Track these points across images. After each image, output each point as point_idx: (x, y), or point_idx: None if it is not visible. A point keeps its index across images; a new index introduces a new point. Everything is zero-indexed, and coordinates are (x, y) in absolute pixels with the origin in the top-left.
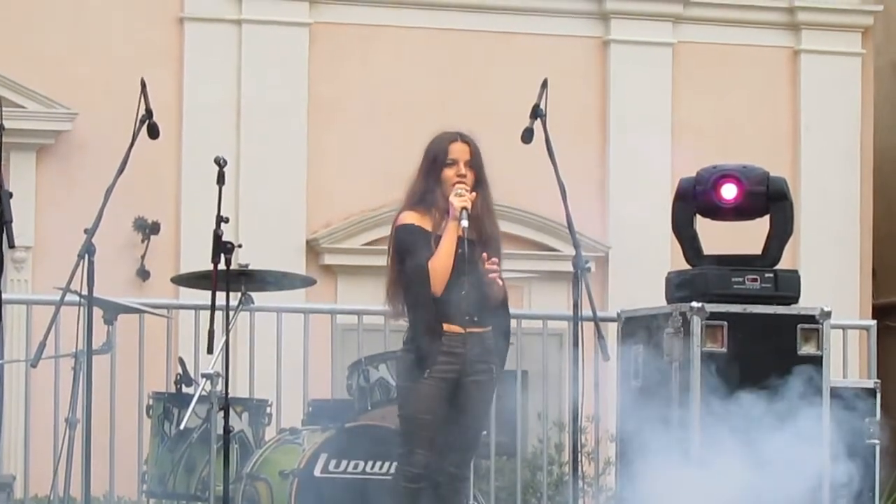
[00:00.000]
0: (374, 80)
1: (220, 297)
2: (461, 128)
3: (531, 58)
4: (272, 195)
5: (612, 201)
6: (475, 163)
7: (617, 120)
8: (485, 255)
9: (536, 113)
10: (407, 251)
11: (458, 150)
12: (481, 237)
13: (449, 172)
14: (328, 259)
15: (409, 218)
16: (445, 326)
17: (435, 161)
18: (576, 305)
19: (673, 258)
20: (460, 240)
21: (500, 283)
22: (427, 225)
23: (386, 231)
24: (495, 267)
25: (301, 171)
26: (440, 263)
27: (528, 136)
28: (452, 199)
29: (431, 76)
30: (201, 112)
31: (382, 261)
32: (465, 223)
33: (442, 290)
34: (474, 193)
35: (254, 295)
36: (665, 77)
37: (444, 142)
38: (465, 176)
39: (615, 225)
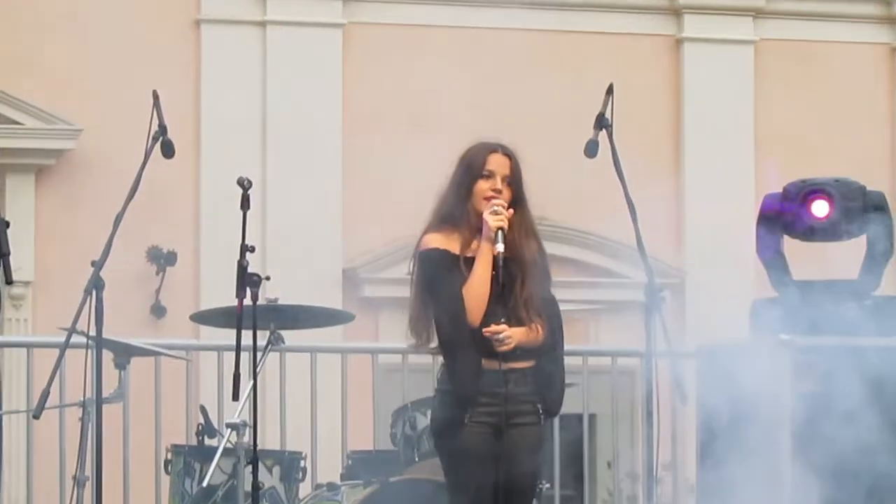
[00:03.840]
0: (416, 87)
1: (247, 336)
2: (507, 140)
3: (595, 60)
4: (303, 220)
5: (689, 220)
6: (515, 180)
7: (692, 128)
8: (492, 328)
9: (601, 123)
10: (435, 280)
11: (497, 163)
12: (519, 261)
13: (483, 185)
14: (368, 291)
15: (434, 241)
16: (484, 362)
17: (468, 171)
18: (649, 339)
19: (758, 284)
20: (496, 263)
21: (509, 343)
22: (454, 247)
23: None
24: (504, 331)
25: (336, 192)
26: (475, 290)
27: (592, 148)
28: (487, 217)
29: (482, 81)
30: (222, 127)
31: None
32: (500, 247)
33: (479, 320)
34: (511, 211)
35: (284, 333)
36: (746, 79)
37: (481, 151)
38: (500, 192)
39: (692, 247)
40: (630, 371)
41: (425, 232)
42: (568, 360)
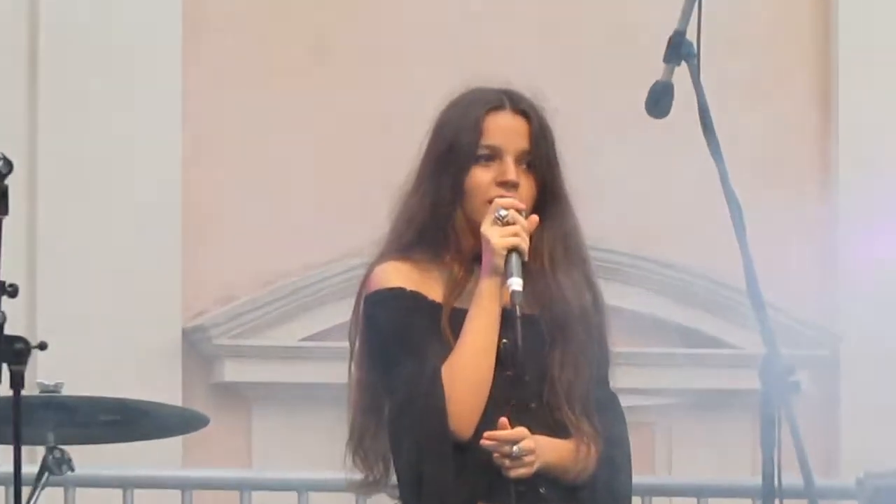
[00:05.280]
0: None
1: (4, 455)
2: (517, 84)
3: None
4: (108, 240)
5: (843, 257)
6: (541, 159)
7: (847, 119)
8: (499, 433)
9: (679, 50)
10: (395, 348)
11: (506, 128)
12: (552, 314)
13: (481, 175)
14: (231, 372)
15: (393, 276)
16: None
17: (452, 150)
18: (769, 463)
19: None
20: (507, 317)
21: (530, 464)
22: (430, 288)
23: (340, 309)
24: (521, 437)
25: (171, 200)
26: (468, 369)
27: (658, 100)
28: (489, 232)
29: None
30: None
31: (337, 371)
32: (515, 283)
33: (472, 430)
34: (535, 218)
35: (75, 451)
36: None
37: (474, 110)
38: (515, 185)
39: (848, 300)
40: None
41: (378, 261)
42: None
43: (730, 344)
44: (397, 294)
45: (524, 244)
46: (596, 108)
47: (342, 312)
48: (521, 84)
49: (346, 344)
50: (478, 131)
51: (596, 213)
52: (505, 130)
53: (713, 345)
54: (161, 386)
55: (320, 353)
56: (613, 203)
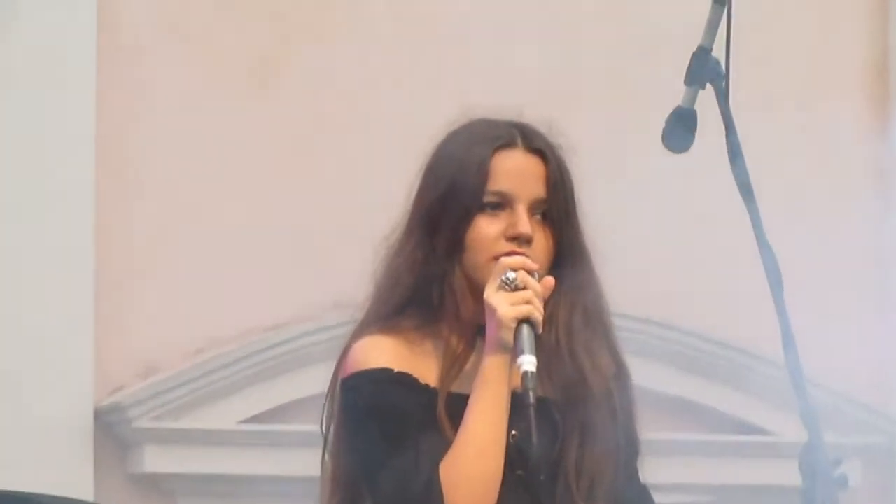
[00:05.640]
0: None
1: None
2: (526, 116)
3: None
4: (7, 310)
5: None
6: (558, 203)
7: None
8: None
9: (705, 71)
10: (381, 439)
11: (517, 171)
12: (569, 395)
13: (487, 227)
14: (152, 460)
15: (378, 352)
16: None
17: (451, 195)
18: None
19: None
20: (518, 403)
21: None
22: (424, 367)
23: (289, 385)
24: None
25: (82, 250)
26: (472, 467)
27: (677, 135)
28: (493, 297)
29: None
30: None
31: (284, 462)
32: (528, 363)
33: None
34: (550, 281)
35: None
36: None
37: (479, 146)
38: (528, 240)
39: None
40: None
41: (358, 334)
42: None
43: (764, 429)
44: (382, 376)
45: (538, 314)
46: (603, 139)
47: (292, 388)
48: (506, 110)
49: (297, 428)
50: (484, 173)
51: (607, 271)
52: (517, 173)
53: (744, 430)
54: (68, 476)
55: (264, 439)
56: (629, 259)
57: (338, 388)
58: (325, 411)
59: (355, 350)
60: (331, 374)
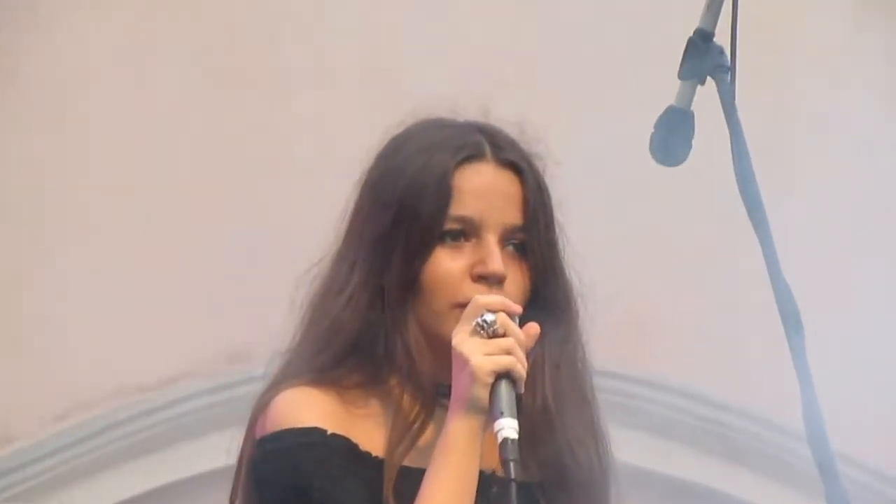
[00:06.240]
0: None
1: None
2: (495, 117)
3: None
4: None
5: None
6: (538, 231)
7: None
8: None
9: (703, 63)
10: None
11: (486, 190)
12: (554, 475)
13: (448, 263)
14: None
15: (306, 407)
16: None
17: (402, 221)
18: None
19: None
20: (491, 482)
21: None
22: (366, 431)
23: (188, 452)
24: None
25: None
26: None
27: (664, 139)
28: (465, 344)
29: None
30: None
31: None
32: (508, 428)
33: None
34: (534, 328)
35: None
36: None
37: (438, 158)
38: (500, 279)
39: None
40: None
41: (281, 384)
42: None
43: None
44: (311, 438)
45: (521, 368)
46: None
47: (179, 464)
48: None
49: None
50: (445, 194)
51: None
52: (485, 194)
53: None
54: None
55: None
56: (612, 305)
57: (251, 450)
58: (233, 486)
59: (278, 403)
60: (231, 442)
